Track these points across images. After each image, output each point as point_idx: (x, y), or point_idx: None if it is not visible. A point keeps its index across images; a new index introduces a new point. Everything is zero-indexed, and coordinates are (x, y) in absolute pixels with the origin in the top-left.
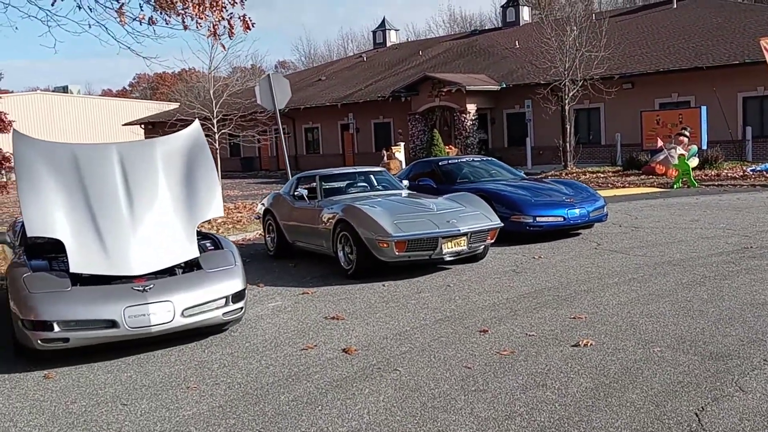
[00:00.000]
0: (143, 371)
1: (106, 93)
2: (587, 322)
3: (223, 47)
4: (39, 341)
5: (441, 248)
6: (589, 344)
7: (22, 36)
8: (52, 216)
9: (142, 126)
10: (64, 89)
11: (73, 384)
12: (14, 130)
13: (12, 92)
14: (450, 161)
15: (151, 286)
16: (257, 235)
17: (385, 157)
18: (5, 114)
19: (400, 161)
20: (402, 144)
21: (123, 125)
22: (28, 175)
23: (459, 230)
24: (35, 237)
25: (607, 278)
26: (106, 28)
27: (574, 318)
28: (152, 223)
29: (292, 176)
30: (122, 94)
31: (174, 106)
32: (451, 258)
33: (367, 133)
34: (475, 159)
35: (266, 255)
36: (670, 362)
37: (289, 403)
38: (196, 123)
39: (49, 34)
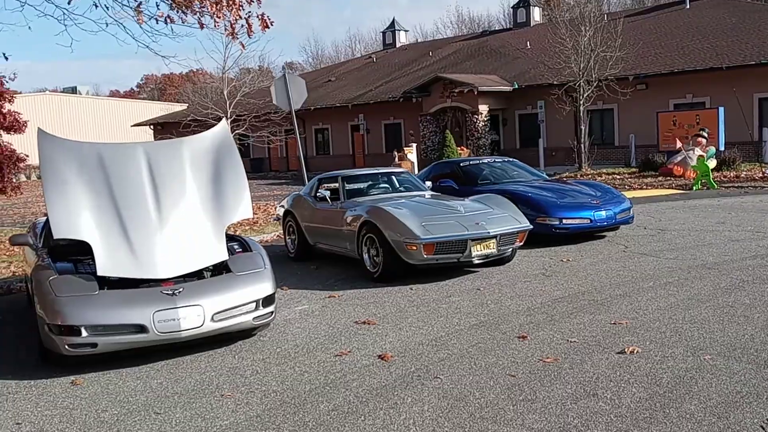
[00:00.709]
0: (174, 378)
1: (114, 94)
2: (629, 328)
3: (243, 46)
4: (66, 346)
5: (470, 251)
6: (635, 351)
7: (32, 36)
8: (78, 217)
9: (152, 127)
10: (73, 90)
11: (103, 391)
12: (39, 129)
13: (21, 93)
14: (471, 162)
15: (181, 289)
16: (275, 237)
17: (397, 159)
18: (19, 114)
19: (412, 162)
20: (414, 145)
21: (132, 126)
22: (53, 175)
23: (488, 232)
24: (61, 239)
25: (641, 282)
26: (124, 27)
27: (614, 324)
28: (180, 224)
29: (308, 178)
30: (130, 95)
31: (182, 107)
32: (480, 261)
33: (377, 135)
34: (497, 160)
35: (286, 257)
36: (724, 371)
37: (330, 413)
38: (223, 122)
39: (65, 32)
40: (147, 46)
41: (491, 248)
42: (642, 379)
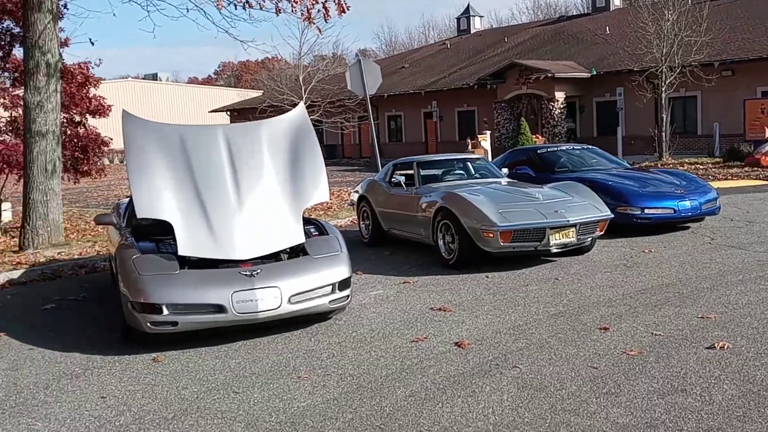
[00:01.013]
0: (251, 358)
1: (192, 80)
2: (718, 323)
3: (319, 31)
4: (149, 324)
5: (548, 239)
6: (725, 347)
7: (115, 22)
8: (160, 197)
9: (228, 113)
10: (154, 76)
11: (183, 369)
12: (124, 110)
13: (104, 79)
14: (549, 149)
15: (259, 271)
16: (349, 222)
17: (470, 146)
18: (104, 99)
19: (486, 150)
20: (488, 133)
21: (210, 112)
22: (137, 155)
23: (568, 221)
24: (143, 218)
25: (730, 275)
26: (204, 12)
27: (702, 317)
28: (258, 206)
29: (381, 164)
30: (207, 81)
31: (258, 93)
32: (558, 250)
33: (450, 122)
34: (575, 147)
35: (360, 242)
36: None
37: (407, 399)
38: (301, 105)
39: (148, 18)
40: (226, 31)
41: (570, 237)
42: (734, 376)
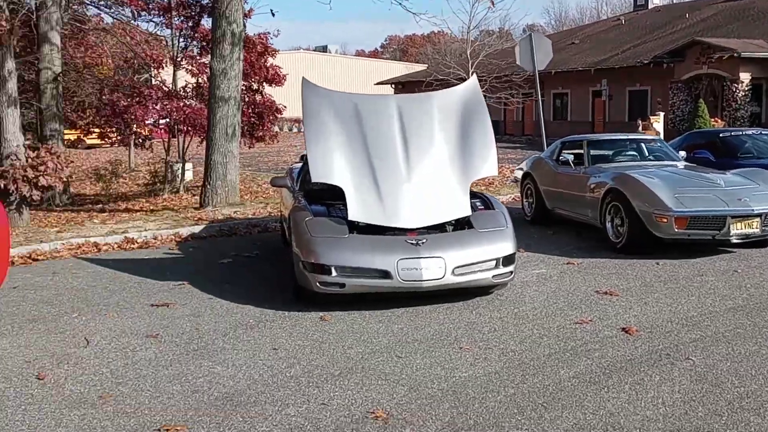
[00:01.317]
0: (413, 325)
1: (360, 53)
2: None
3: (492, 3)
4: (318, 284)
5: (728, 228)
6: None
7: None
8: (334, 163)
9: (392, 86)
10: (324, 49)
11: (348, 329)
12: (304, 78)
13: (279, 51)
14: (732, 132)
15: (424, 240)
16: (510, 199)
17: (640, 128)
18: (279, 68)
19: (658, 132)
20: (661, 114)
21: (375, 84)
22: (314, 122)
23: (752, 210)
24: (316, 183)
25: None
26: None
27: None
28: (427, 177)
29: (546, 143)
30: (374, 54)
31: (422, 67)
32: (738, 241)
33: (620, 101)
34: (763, 132)
35: (522, 220)
36: None
37: (570, 380)
38: (474, 78)
39: None
40: (400, 3)
41: (754, 228)
42: None
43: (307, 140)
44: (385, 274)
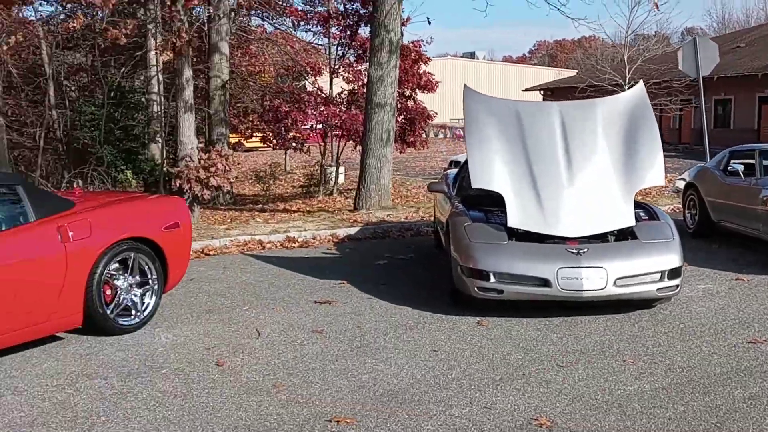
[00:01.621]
0: (572, 335)
1: (507, 59)
2: None
3: (656, 6)
4: (476, 289)
5: None
6: None
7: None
8: (494, 170)
9: (541, 92)
10: (471, 55)
11: (506, 335)
12: (465, 85)
13: (430, 58)
14: None
15: (586, 249)
16: (669, 210)
17: None
18: (432, 75)
19: None
20: None
21: (523, 91)
22: (476, 129)
23: None
24: (474, 189)
25: None
26: None
27: None
28: (589, 185)
29: (709, 152)
30: (521, 60)
31: (572, 73)
32: None
33: None
34: None
35: (683, 232)
36: None
37: (746, 401)
38: (641, 84)
39: None
40: (558, 9)
41: None
42: None
43: (468, 147)
44: (545, 283)
